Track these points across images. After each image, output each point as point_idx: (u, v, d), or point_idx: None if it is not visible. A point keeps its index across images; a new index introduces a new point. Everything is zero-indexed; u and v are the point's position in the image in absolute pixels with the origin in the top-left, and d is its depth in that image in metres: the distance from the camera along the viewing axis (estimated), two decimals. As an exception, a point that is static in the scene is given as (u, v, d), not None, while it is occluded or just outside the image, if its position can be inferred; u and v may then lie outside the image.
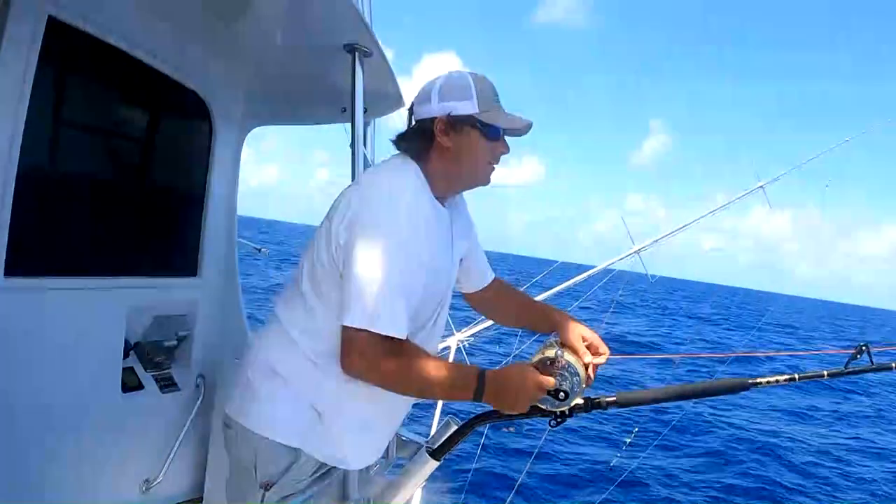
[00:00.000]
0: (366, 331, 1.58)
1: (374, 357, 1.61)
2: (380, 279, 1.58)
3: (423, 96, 1.76)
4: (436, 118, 1.72)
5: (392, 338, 1.60)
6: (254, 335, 1.91)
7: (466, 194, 1.97)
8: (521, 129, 1.79)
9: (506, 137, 1.79)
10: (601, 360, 1.82)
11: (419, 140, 1.76)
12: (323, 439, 1.77)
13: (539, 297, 5.97)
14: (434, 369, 1.65)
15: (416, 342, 1.72)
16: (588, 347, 1.82)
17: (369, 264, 1.58)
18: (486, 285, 2.16)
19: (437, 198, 1.78)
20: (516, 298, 2.22)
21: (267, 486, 1.73)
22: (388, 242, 1.60)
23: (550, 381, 1.66)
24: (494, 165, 1.82)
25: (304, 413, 1.74)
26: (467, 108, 1.70)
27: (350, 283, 1.60)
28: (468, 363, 5.75)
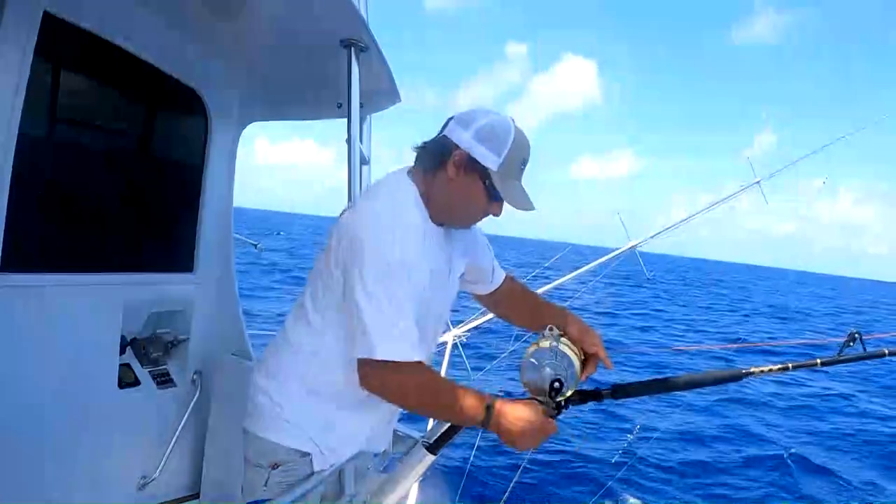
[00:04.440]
0: (372, 359, 1.62)
1: (383, 378, 1.66)
2: (382, 308, 1.61)
3: (466, 120, 1.75)
4: (458, 149, 1.73)
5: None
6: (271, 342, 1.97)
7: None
8: (520, 208, 1.79)
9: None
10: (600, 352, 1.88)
11: (437, 156, 1.77)
12: (327, 447, 1.84)
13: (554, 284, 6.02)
14: (446, 394, 1.69)
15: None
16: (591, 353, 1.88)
17: (371, 293, 1.61)
18: (496, 287, 2.17)
19: (433, 217, 1.80)
20: (529, 301, 2.23)
21: (275, 466, 1.80)
22: (386, 269, 1.62)
23: (554, 428, 1.68)
24: (482, 218, 1.86)
25: (310, 421, 1.82)
26: (489, 161, 1.71)
27: (354, 315, 1.63)
28: (466, 361, 5.78)
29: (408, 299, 1.65)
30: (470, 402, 1.69)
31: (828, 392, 15.79)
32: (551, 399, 1.72)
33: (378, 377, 1.66)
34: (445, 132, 1.77)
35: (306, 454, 1.82)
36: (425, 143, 1.83)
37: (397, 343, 1.62)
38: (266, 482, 1.80)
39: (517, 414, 1.65)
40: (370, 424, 1.92)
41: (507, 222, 1.99)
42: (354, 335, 1.65)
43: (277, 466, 1.80)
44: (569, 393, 1.73)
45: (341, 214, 1.80)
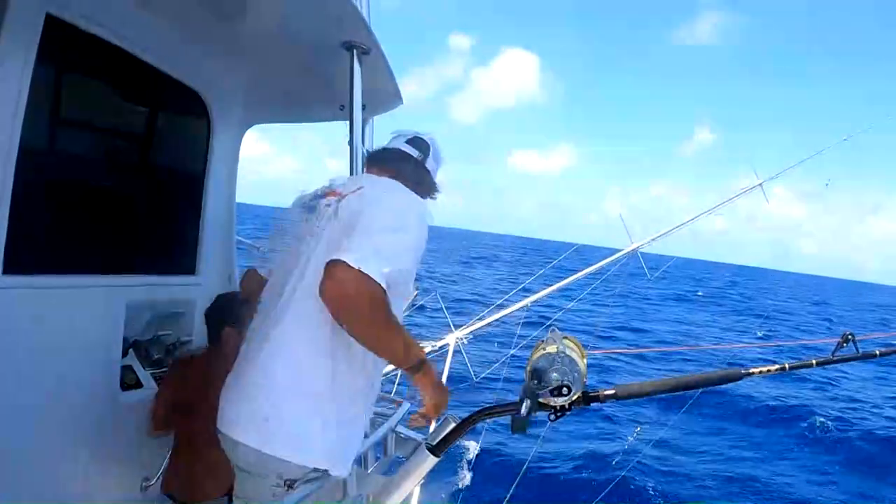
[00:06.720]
0: (359, 270, 1.57)
1: (358, 285, 1.59)
2: (390, 243, 1.67)
3: (426, 151, 2.18)
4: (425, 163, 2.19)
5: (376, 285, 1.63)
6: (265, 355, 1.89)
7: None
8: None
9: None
10: None
11: (406, 163, 2.12)
12: (340, 454, 1.82)
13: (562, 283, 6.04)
14: (399, 330, 1.74)
15: None
16: None
17: (386, 226, 1.70)
18: None
19: None
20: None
21: (291, 485, 1.77)
22: (407, 223, 1.74)
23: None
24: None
25: (325, 432, 1.77)
26: (434, 168, 2.22)
27: (362, 233, 1.67)
28: (468, 363, 5.79)
29: (412, 258, 1.73)
30: (413, 343, 1.79)
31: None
32: (557, 403, 1.73)
33: (353, 283, 1.58)
34: (413, 150, 2.14)
35: (323, 471, 1.78)
36: (394, 153, 2.13)
37: (386, 268, 1.60)
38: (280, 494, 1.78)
39: (433, 383, 1.83)
40: (366, 414, 1.96)
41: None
42: (351, 246, 1.61)
43: (293, 484, 1.77)
44: (575, 396, 1.74)
45: (338, 200, 1.88)
